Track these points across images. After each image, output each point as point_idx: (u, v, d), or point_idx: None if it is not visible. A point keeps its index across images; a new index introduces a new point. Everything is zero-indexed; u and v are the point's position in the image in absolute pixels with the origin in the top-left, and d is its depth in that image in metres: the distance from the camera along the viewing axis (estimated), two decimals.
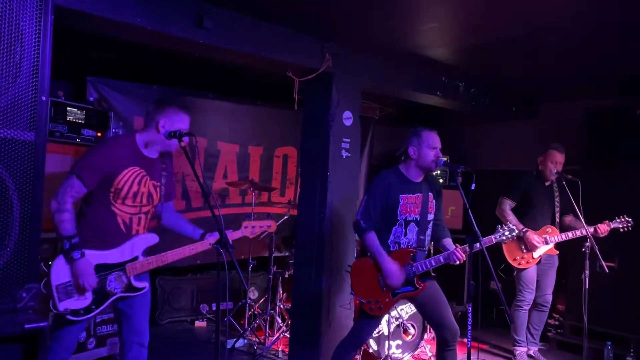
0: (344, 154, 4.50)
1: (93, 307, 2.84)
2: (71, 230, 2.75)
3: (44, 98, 1.97)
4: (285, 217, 5.44)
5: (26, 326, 1.94)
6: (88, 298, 2.82)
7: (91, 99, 4.60)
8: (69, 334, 2.88)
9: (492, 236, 3.41)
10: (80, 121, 4.11)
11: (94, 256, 2.84)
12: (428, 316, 3.58)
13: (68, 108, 4.07)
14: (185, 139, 2.86)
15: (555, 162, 4.72)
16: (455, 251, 3.36)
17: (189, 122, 3.02)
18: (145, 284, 3.01)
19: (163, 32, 3.47)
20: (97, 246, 2.86)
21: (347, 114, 4.50)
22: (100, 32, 3.66)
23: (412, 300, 3.62)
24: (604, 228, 4.48)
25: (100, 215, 2.87)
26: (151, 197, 3.01)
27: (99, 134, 4.27)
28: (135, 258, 2.96)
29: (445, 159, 3.55)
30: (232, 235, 3.12)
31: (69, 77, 4.96)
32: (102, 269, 2.86)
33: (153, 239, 3.04)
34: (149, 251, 3.03)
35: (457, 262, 3.37)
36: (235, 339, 4.97)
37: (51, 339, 2.86)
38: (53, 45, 2.01)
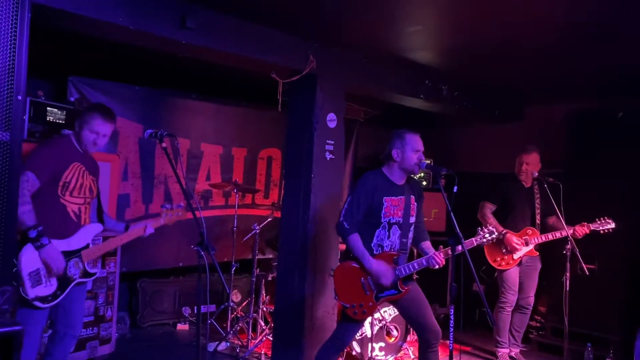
0: (328, 155, 4.49)
1: (58, 292, 3.01)
2: (34, 220, 2.87)
3: (19, 97, 1.93)
4: (269, 219, 5.41)
5: (0, 330, 1.90)
6: (53, 284, 2.99)
7: (72, 99, 4.54)
8: (32, 320, 2.93)
9: (472, 239, 3.43)
10: (60, 121, 4.05)
11: (57, 244, 3.01)
12: (410, 318, 3.59)
13: (48, 108, 4.00)
14: (166, 140, 2.86)
15: (528, 162, 4.78)
16: (434, 255, 3.37)
17: (104, 125, 3.19)
18: (96, 270, 3.28)
19: (145, 31, 3.43)
20: (54, 236, 3.00)
21: (332, 115, 4.50)
22: (82, 32, 3.61)
23: (394, 303, 3.62)
24: (581, 230, 4.53)
25: (50, 207, 3.04)
26: (91, 189, 3.28)
27: None
28: (87, 245, 3.20)
29: (428, 161, 3.56)
30: (157, 223, 3.44)
31: (50, 77, 4.90)
32: (65, 255, 3.05)
33: (99, 227, 3.31)
34: (96, 239, 3.34)
35: (436, 267, 3.38)
36: (217, 342, 4.93)
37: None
38: (33, 44, 1.98)
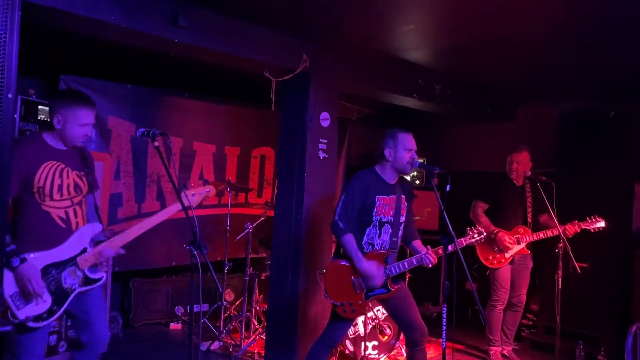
0: (321, 154, 4.49)
1: (55, 308, 2.78)
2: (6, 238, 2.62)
3: (10, 95, 1.92)
4: (262, 218, 5.41)
5: None
6: (47, 300, 2.76)
7: None
8: (35, 340, 2.80)
9: (462, 239, 3.45)
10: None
11: (41, 257, 2.76)
12: (397, 317, 3.61)
13: (39, 107, 3.98)
14: (158, 139, 2.82)
15: (518, 161, 4.81)
16: (428, 254, 3.39)
17: (91, 115, 2.90)
18: (101, 274, 2.98)
19: (137, 30, 3.41)
20: (41, 247, 2.78)
21: (325, 114, 4.50)
22: (74, 30, 3.58)
23: (383, 302, 3.64)
24: (572, 229, 4.56)
25: (33, 217, 2.79)
26: (78, 186, 2.94)
27: None
28: (84, 250, 2.90)
29: (421, 160, 3.57)
30: (173, 209, 3.03)
31: (41, 75, 4.87)
32: (54, 267, 2.80)
33: (96, 227, 2.99)
34: (97, 240, 2.97)
35: (430, 265, 3.40)
36: (210, 342, 4.92)
37: (18, 345, 2.77)
38: (24, 43, 1.96)
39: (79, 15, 3.14)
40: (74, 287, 2.85)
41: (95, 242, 2.97)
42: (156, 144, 2.78)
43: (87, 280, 2.91)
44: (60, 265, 2.82)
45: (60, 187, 2.84)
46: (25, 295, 2.69)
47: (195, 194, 3.13)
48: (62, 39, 4.25)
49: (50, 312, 2.76)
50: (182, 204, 2.77)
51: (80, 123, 2.86)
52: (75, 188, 2.92)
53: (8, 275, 2.64)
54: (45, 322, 2.75)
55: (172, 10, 3.52)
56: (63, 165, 2.87)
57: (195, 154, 5.81)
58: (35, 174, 2.76)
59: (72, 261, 2.86)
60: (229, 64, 4.34)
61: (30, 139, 2.93)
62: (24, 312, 2.68)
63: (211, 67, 4.62)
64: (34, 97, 3.99)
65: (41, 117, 3.97)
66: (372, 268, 3.35)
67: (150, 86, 5.41)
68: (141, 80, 5.34)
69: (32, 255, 2.73)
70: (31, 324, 2.69)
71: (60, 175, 2.85)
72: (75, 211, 2.92)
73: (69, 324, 4.07)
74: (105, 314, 3.11)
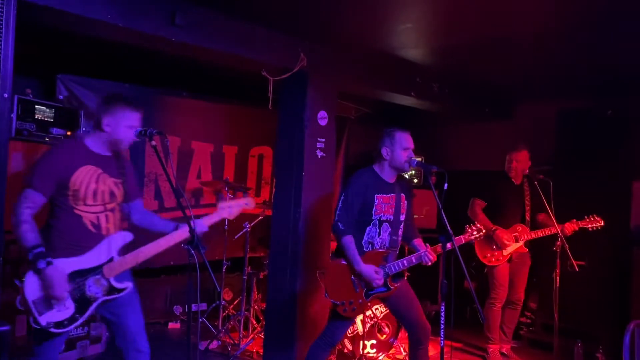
0: (319, 153, 4.48)
1: (77, 315, 2.73)
2: (33, 241, 2.62)
3: (5, 95, 1.92)
4: (260, 218, 5.40)
5: None
6: (70, 307, 2.71)
7: (61, 97, 4.50)
8: (51, 347, 2.78)
9: (460, 236, 3.46)
10: (49, 120, 4.02)
11: (67, 264, 2.73)
12: (400, 316, 3.61)
13: (36, 106, 3.97)
14: (156, 138, 2.81)
15: (517, 160, 4.81)
16: (427, 252, 3.39)
17: (139, 119, 2.90)
18: (127, 284, 2.90)
19: (134, 29, 3.41)
20: (69, 253, 2.75)
21: (322, 113, 4.49)
22: (71, 29, 3.58)
23: (384, 300, 3.64)
24: (570, 227, 4.56)
25: (65, 221, 2.77)
26: (113, 194, 2.90)
27: (69, 133, 4.18)
28: (111, 259, 2.85)
29: (419, 159, 3.57)
30: (210, 219, 3.03)
31: (38, 75, 4.85)
32: (78, 275, 2.75)
33: (127, 237, 2.93)
34: (125, 250, 2.93)
35: (429, 263, 3.40)
36: (209, 341, 4.91)
37: (33, 354, 2.77)
38: (21, 42, 1.96)
39: (75, 15, 3.13)
40: (97, 295, 2.80)
41: (121, 252, 2.91)
42: (153, 143, 2.77)
43: (111, 290, 2.84)
44: (86, 273, 2.78)
45: (95, 193, 2.82)
46: (49, 300, 2.65)
47: (232, 206, 3.11)
48: (59, 38, 4.23)
49: (71, 320, 2.72)
50: (179, 202, 2.76)
51: (129, 125, 2.86)
52: (110, 195, 2.89)
53: (33, 280, 2.63)
54: (66, 329, 2.71)
55: (169, 9, 3.51)
56: (101, 171, 2.85)
57: (193, 153, 5.80)
58: (72, 177, 2.74)
59: (97, 270, 2.81)
60: (227, 63, 4.33)
61: (71, 142, 2.91)
62: (46, 318, 2.65)
63: (209, 66, 4.62)
64: (31, 96, 3.97)
65: (38, 116, 3.96)
66: (370, 271, 3.34)
67: (147, 85, 5.40)
68: (138, 79, 5.33)
69: (58, 261, 2.68)
70: (53, 330, 2.66)
71: (97, 181, 2.83)
72: (107, 217, 2.88)
73: None
74: (142, 323, 3.00)
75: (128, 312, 2.94)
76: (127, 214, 3.09)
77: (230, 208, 3.11)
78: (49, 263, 2.63)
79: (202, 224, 2.99)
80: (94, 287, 2.78)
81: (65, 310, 2.69)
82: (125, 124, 2.84)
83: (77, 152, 2.81)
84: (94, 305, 2.79)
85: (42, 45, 4.58)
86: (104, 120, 2.83)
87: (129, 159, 3.10)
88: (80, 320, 2.75)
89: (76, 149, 2.83)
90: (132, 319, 2.96)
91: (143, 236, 3.06)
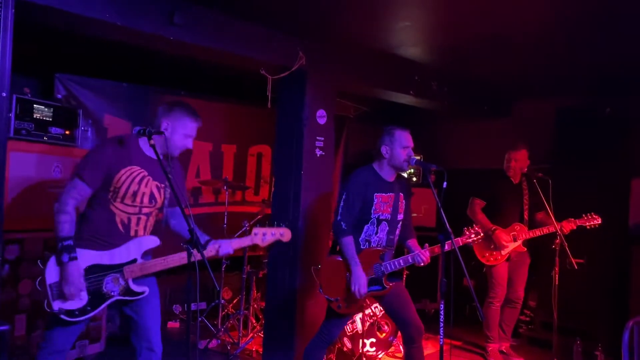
0: (318, 152, 4.48)
1: (88, 308, 2.76)
2: (66, 232, 2.67)
3: (4, 94, 1.91)
4: (260, 216, 5.40)
5: None
6: (83, 299, 2.74)
7: (59, 96, 4.50)
8: (61, 335, 2.80)
9: (458, 238, 3.45)
10: (47, 119, 4.02)
11: (90, 256, 2.77)
12: (394, 314, 3.61)
13: (35, 105, 3.97)
14: (156, 137, 2.81)
15: (516, 159, 4.82)
16: (420, 253, 3.39)
17: (196, 129, 2.97)
18: (144, 288, 2.91)
19: (133, 28, 3.41)
20: (94, 246, 2.79)
21: (321, 112, 4.49)
22: (69, 28, 3.57)
23: (378, 299, 3.64)
24: (568, 226, 4.56)
25: (99, 214, 2.81)
26: (153, 198, 2.92)
27: (67, 132, 4.18)
28: (134, 260, 2.86)
29: (418, 157, 3.57)
30: (242, 242, 3.05)
31: (36, 74, 4.84)
32: (98, 270, 2.78)
33: (153, 241, 2.94)
34: (149, 254, 2.95)
35: (422, 264, 3.40)
36: (208, 340, 4.91)
37: (43, 339, 2.81)
38: (20, 41, 1.95)
39: (73, 14, 3.13)
40: (113, 293, 2.81)
41: (146, 255, 2.92)
42: (152, 142, 2.77)
43: (128, 291, 2.85)
44: (106, 269, 2.80)
45: (134, 194, 2.84)
46: (62, 290, 2.69)
47: (266, 234, 3.11)
48: (57, 38, 4.23)
49: (82, 311, 2.74)
50: (181, 209, 2.72)
51: (186, 133, 2.92)
52: (150, 198, 2.90)
53: (54, 266, 2.69)
54: (76, 319, 2.73)
55: (168, 8, 3.51)
56: (146, 173, 2.87)
57: (192, 152, 5.79)
58: (117, 173, 2.78)
59: (118, 268, 2.82)
60: (225, 62, 4.32)
61: (125, 139, 2.90)
62: (59, 304, 2.69)
63: (207, 65, 4.61)
64: (29, 95, 3.97)
65: (37, 115, 3.95)
66: (362, 277, 3.33)
67: (146, 84, 5.39)
68: (137, 78, 5.32)
69: (81, 252, 2.73)
70: (63, 317, 2.70)
71: (139, 182, 2.84)
72: (139, 219, 2.90)
73: None
74: (158, 323, 3.02)
75: (148, 311, 2.96)
76: (166, 218, 3.10)
77: (264, 235, 3.12)
78: (72, 258, 2.67)
79: (229, 247, 2.99)
80: (111, 285, 2.80)
81: (79, 300, 2.72)
82: (182, 132, 2.91)
83: (128, 151, 2.84)
84: (108, 302, 2.81)
85: (41, 44, 4.57)
86: (162, 122, 2.89)
87: (180, 165, 3.13)
88: (92, 314, 2.77)
89: (128, 148, 2.85)
90: (151, 318, 2.97)
91: (175, 238, 3.06)
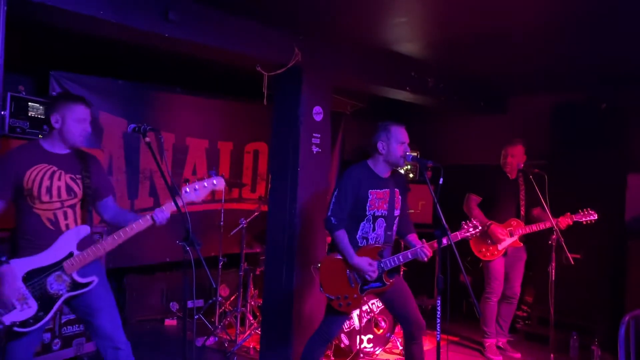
0: (315, 149, 4.48)
1: (41, 314, 2.72)
2: None
3: None
4: (256, 213, 5.39)
5: None
6: (32, 306, 2.71)
7: (54, 93, 4.48)
8: (21, 347, 2.78)
9: (457, 232, 3.45)
10: (42, 117, 3.99)
11: (24, 263, 2.73)
12: (395, 311, 3.61)
13: (30, 103, 3.94)
14: (150, 135, 2.80)
15: (513, 154, 4.82)
16: (423, 248, 3.38)
17: (86, 112, 2.89)
18: (92, 278, 2.87)
19: (127, 24, 3.38)
20: (30, 252, 2.76)
21: (317, 109, 4.48)
22: (64, 25, 3.55)
23: (379, 295, 3.64)
24: (564, 221, 4.57)
25: (26, 221, 2.79)
26: (71, 189, 2.88)
27: None
28: (70, 254, 2.83)
29: (414, 153, 3.56)
30: (173, 205, 2.82)
31: (31, 72, 4.83)
32: (38, 273, 2.75)
33: (83, 230, 2.90)
34: (85, 243, 2.89)
35: (425, 259, 3.40)
36: (205, 337, 4.91)
37: (6, 354, 2.77)
38: (14, 39, 1.94)
39: (67, 11, 3.11)
40: (60, 292, 2.79)
41: (81, 246, 2.88)
42: (147, 139, 2.75)
43: (75, 285, 2.83)
44: (45, 271, 2.77)
45: (49, 189, 2.80)
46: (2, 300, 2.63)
47: (198, 188, 2.95)
48: (52, 35, 4.21)
49: (36, 318, 2.71)
50: (174, 201, 2.73)
51: (77, 118, 2.84)
52: (67, 191, 2.86)
53: None
54: (32, 328, 2.70)
55: (163, 4, 3.49)
56: (55, 168, 2.84)
57: (188, 150, 5.79)
58: (24, 177, 2.75)
59: (57, 266, 2.79)
60: (221, 59, 4.31)
61: (25, 145, 2.89)
62: (9, 318, 2.65)
63: (203, 62, 4.59)
64: (24, 93, 3.95)
65: (31, 113, 3.93)
66: (364, 263, 3.34)
67: (141, 81, 5.38)
68: (132, 75, 5.31)
69: (16, 261, 2.69)
70: (17, 329, 2.66)
71: (50, 178, 2.81)
72: (65, 213, 2.86)
73: (63, 321, 4.06)
74: (117, 319, 2.96)
75: (101, 311, 2.91)
76: (99, 212, 3.07)
77: (196, 190, 2.94)
78: (1, 262, 2.64)
79: (164, 211, 2.89)
80: (56, 284, 2.78)
81: (28, 309, 2.69)
82: (72, 117, 2.83)
83: (29, 153, 2.82)
84: (59, 301, 2.79)
85: (35, 42, 4.55)
86: (52, 118, 2.84)
87: (95, 157, 3.08)
88: (47, 318, 2.74)
89: (29, 151, 2.83)
90: (105, 317, 2.91)
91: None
